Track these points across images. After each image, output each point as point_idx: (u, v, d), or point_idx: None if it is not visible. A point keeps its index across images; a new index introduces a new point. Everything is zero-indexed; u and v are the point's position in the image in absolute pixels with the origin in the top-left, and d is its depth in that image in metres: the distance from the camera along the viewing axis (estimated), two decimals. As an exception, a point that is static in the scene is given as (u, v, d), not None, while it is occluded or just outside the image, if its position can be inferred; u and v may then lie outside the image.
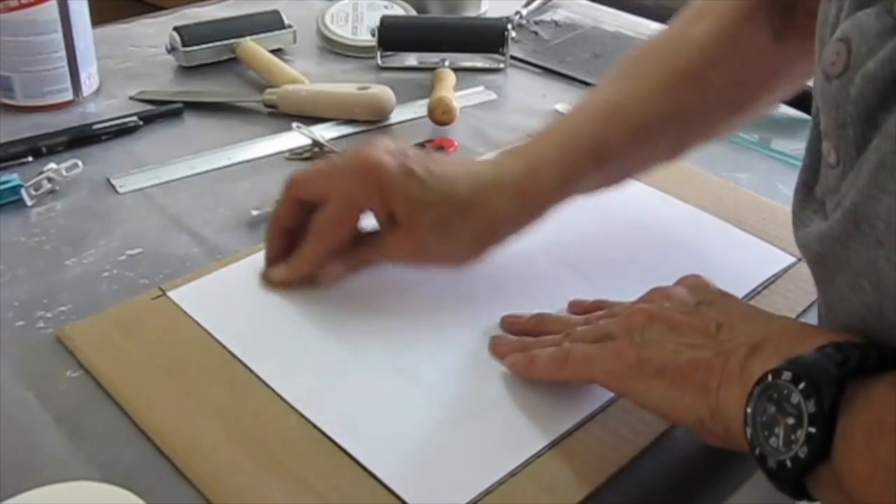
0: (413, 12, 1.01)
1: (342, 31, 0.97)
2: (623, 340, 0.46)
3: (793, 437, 0.37)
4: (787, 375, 0.38)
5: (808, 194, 0.45)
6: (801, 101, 0.85)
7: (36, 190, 0.66)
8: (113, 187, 0.69)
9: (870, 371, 0.37)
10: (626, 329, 0.47)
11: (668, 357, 0.44)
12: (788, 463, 0.37)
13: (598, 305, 0.54)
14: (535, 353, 0.50)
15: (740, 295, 0.58)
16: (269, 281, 0.57)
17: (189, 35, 0.89)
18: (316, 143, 0.75)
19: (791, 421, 0.37)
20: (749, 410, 0.39)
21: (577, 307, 0.56)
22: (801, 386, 0.37)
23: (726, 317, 0.45)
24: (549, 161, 0.55)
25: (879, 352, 0.38)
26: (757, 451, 0.39)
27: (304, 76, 0.85)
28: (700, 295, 0.48)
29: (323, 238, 0.56)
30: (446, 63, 0.91)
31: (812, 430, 0.36)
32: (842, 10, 0.40)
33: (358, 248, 0.57)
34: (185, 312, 0.54)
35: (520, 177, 0.55)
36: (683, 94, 0.57)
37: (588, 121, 0.57)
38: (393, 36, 0.93)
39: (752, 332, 0.43)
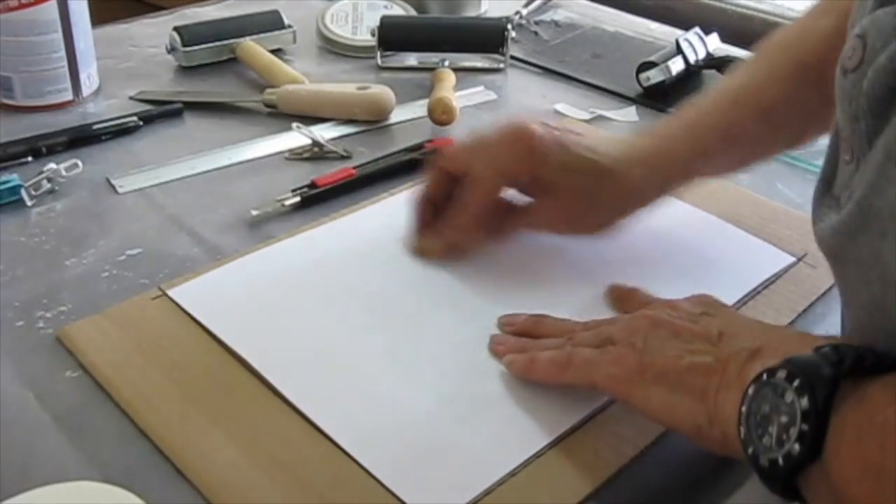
0: (413, 12, 1.01)
1: (342, 31, 0.97)
2: (625, 346, 0.46)
3: (785, 435, 0.37)
4: (782, 373, 0.38)
5: (826, 191, 0.46)
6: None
7: (36, 190, 0.66)
8: (113, 187, 0.69)
9: (866, 373, 0.37)
10: (629, 334, 0.47)
11: (669, 362, 0.44)
12: (780, 460, 0.37)
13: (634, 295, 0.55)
14: (536, 354, 0.50)
15: (741, 295, 0.58)
16: (421, 251, 0.60)
17: (189, 35, 0.89)
18: (316, 143, 0.75)
19: (784, 419, 0.37)
20: (744, 409, 0.39)
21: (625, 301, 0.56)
22: (796, 383, 0.37)
23: (727, 325, 0.45)
24: (678, 140, 0.59)
25: (877, 354, 0.38)
26: (750, 450, 0.39)
27: (304, 76, 0.85)
28: (703, 307, 0.48)
29: (473, 205, 0.58)
30: (446, 63, 0.91)
31: (805, 426, 0.36)
32: (866, 9, 0.41)
33: (501, 217, 0.60)
34: (185, 312, 0.54)
35: (651, 153, 0.59)
36: (806, 85, 0.58)
37: (717, 104, 0.60)
38: (393, 36, 0.93)
39: (751, 339, 0.43)
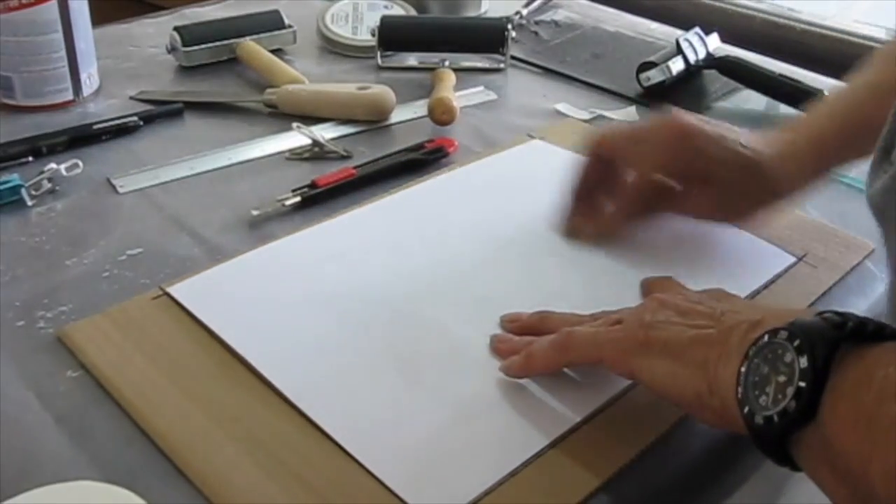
0: (413, 12, 1.01)
1: (342, 31, 0.97)
2: (632, 322, 0.47)
3: (782, 394, 0.38)
4: (783, 334, 0.39)
5: (884, 157, 0.48)
6: (806, 101, 0.86)
7: (36, 190, 0.67)
8: (113, 187, 0.69)
9: (867, 339, 0.38)
10: (637, 313, 0.47)
11: (673, 335, 0.44)
12: (775, 417, 0.38)
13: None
14: (531, 347, 0.50)
15: (742, 294, 0.58)
16: (574, 234, 0.63)
17: (189, 35, 0.89)
18: (316, 143, 0.75)
19: (782, 378, 0.38)
20: (742, 370, 0.40)
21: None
22: (796, 343, 0.38)
23: (733, 306, 0.46)
24: (823, 131, 0.62)
25: (879, 323, 0.38)
26: (746, 409, 0.39)
27: (304, 76, 0.85)
28: (712, 295, 0.48)
29: (632, 195, 0.62)
30: (446, 63, 0.91)
31: (802, 384, 0.37)
32: None
33: (653, 204, 0.62)
34: (185, 312, 0.54)
35: (799, 153, 0.61)
36: None
37: (853, 96, 0.63)
38: (393, 36, 0.93)
39: (755, 313, 0.43)
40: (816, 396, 0.37)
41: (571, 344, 0.48)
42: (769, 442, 0.39)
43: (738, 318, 0.43)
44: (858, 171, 0.75)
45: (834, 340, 0.37)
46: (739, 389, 0.40)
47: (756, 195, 0.61)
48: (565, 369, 0.51)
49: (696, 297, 0.47)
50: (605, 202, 0.64)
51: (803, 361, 0.37)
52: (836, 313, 0.39)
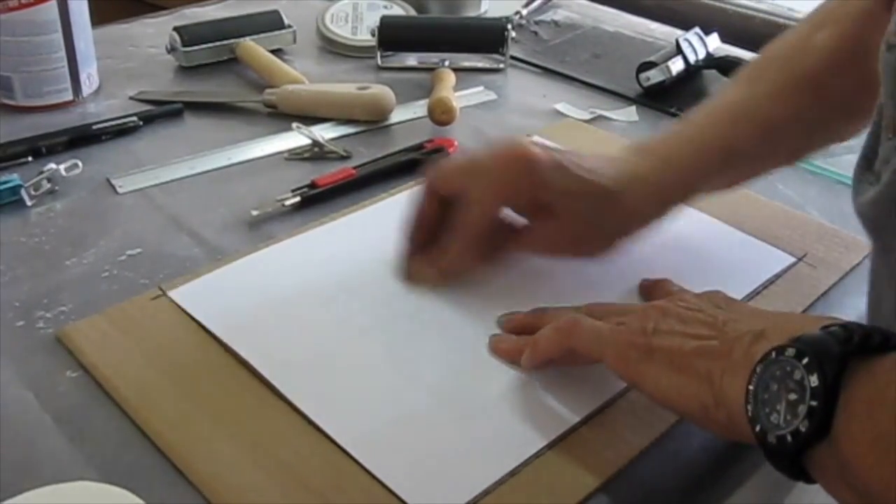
0: (413, 12, 1.01)
1: (342, 31, 0.97)
2: (635, 329, 0.46)
3: (794, 412, 0.37)
4: (790, 351, 0.38)
5: (866, 168, 0.47)
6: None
7: (36, 190, 0.66)
8: (113, 187, 0.69)
9: (873, 351, 0.37)
10: (640, 320, 0.47)
11: (676, 345, 0.44)
12: (789, 437, 0.37)
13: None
14: (536, 334, 0.50)
15: (741, 295, 0.58)
16: (413, 277, 0.58)
17: (189, 35, 0.89)
18: (316, 143, 0.75)
19: (793, 396, 0.37)
20: (751, 388, 0.40)
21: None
22: (805, 361, 0.37)
23: (734, 314, 0.45)
24: (679, 159, 0.58)
25: (884, 333, 0.38)
26: (757, 427, 0.39)
27: (304, 76, 0.85)
28: (711, 300, 0.48)
29: (469, 231, 0.56)
30: (446, 63, 0.91)
31: (814, 403, 0.37)
32: None
33: (497, 240, 0.58)
34: (184, 312, 0.54)
35: (650, 173, 0.57)
36: (806, 99, 0.58)
37: (715, 122, 0.60)
38: (393, 36, 0.93)
39: (757, 323, 0.43)
40: (829, 415, 0.36)
41: (575, 331, 0.48)
42: (783, 460, 0.38)
43: (740, 327, 0.43)
44: (858, 171, 0.76)
45: (842, 356, 0.37)
46: (749, 407, 0.40)
47: (610, 225, 0.57)
48: (565, 369, 0.51)
49: (696, 304, 0.47)
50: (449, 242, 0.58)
51: (814, 380, 0.37)
52: (841, 325, 0.39)
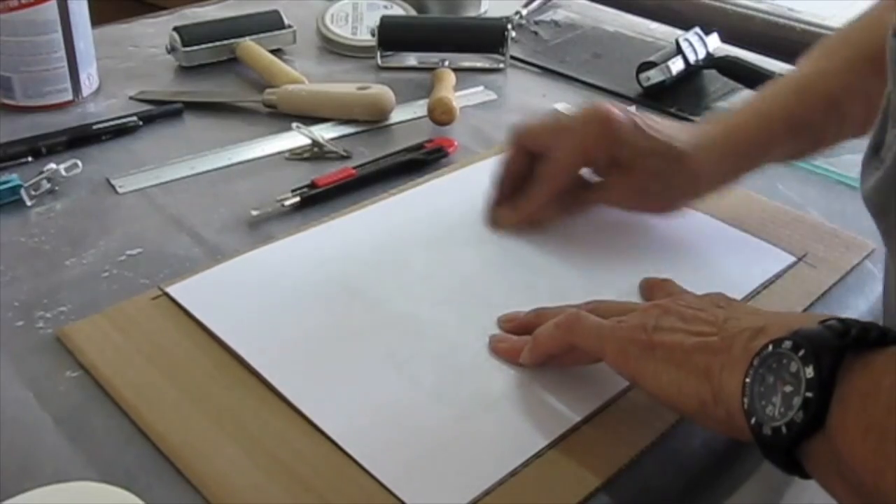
0: (413, 12, 1.01)
1: (342, 31, 0.97)
2: (636, 325, 0.46)
3: (789, 404, 0.38)
4: (787, 344, 0.39)
5: (873, 155, 0.48)
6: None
7: (36, 190, 0.66)
8: (113, 187, 0.69)
9: (870, 345, 0.37)
10: (640, 317, 0.47)
11: (677, 341, 0.44)
12: (783, 429, 0.38)
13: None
14: (537, 331, 0.50)
15: (741, 295, 0.58)
16: (497, 222, 0.64)
17: (189, 35, 0.89)
18: (316, 143, 0.75)
19: (788, 389, 0.38)
20: (748, 381, 0.40)
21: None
22: (801, 353, 0.38)
23: (735, 312, 0.46)
24: (746, 128, 0.62)
25: (881, 329, 0.38)
26: (753, 420, 0.39)
27: (304, 76, 0.85)
28: (712, 300, 0.48)
29: (553, 182, 0.62)
30: (446, 63, 0.91)
31: (809, 395, 0.37)
32: None
33: (576, 194, 0.64)
34: (185, 312, 0.54)
35: (721, 141, 0.62)
36: (871, 75, 0.59)
37: (783, 94, 0.63)
38: (393, 36, 0.93)
39: (757, 320, 0.43)
40: (824, 406, 0.37)
41: (576, 327, 0.48)
42: (778, 452, 0.38)
43: (741, 325, 0.43)
44: (859, 171, 0.75)
45: (839, 349, 0.37)
46: (745, 400, 0.40)
47: (680, 186, 0.62)
48: (564, 369, 0.51)
49: (697, 304, 0.47)
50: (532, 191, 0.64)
51: (809, 371, 0.37)
52: (839, 320, 0.39)
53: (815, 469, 0.38)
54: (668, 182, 0.61)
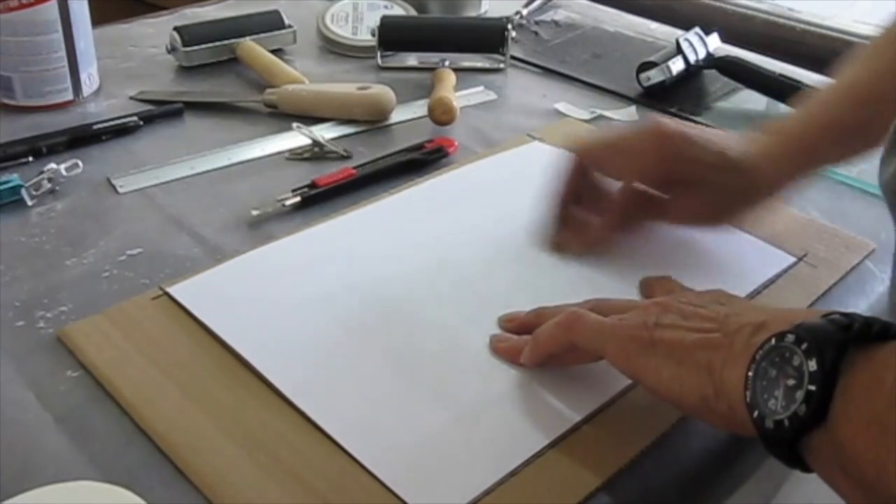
0: (413, 12, 1.01)
1: (342, 31, 0.97)
2: (636, 322, 0.46)
3: (792, 397, 0.38)
4: (790, 338, 0.39)
5: (894, 144, 0.48)
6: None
7: (36, 190, 0.67)
8: (113, 187, 0.69)
9: (873, 339, 0.38)
10: (641, 314, 0.47)
11: (678, 337, 0.44)
12: (786, 422, 0.38)
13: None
14: (537, 330, 0.50)
15: (741, 294, 0.58)
16: (561, 248, 0.62)
17: (189, 35, 0.89)
18: (316, 143, 0.75)
19: (791, 382, 0.38)
20: (750, 374, 0.40)
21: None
22: (804, 347, 0.38)
23: (736, 308, 0.46)
24: (797, 135, 0.62)
25: (884, 323, 0.38)
26: (755, 413, 0.39)
27: (304, 76, 0.85)
28: (713, 297, 0.48)
29: (621, 209, 0.62)
30: (446, 63, 0.91)
31: (812, 388, 0.37)
32: None
33: (637, 213, 0.63)
34: (185, 312, 0.54)
35: (774, 148, 0.61)
36: None
37: (835, 99, 0.63)
38: (393, 36, 0.93)
39: (759, 316, 0.43)
40: (827, 400, 0.37)
41: (577, 325, 0.48)
42: (780, 446, 0.38)
43: (742, 320, 0.43)
44: (859, 171, 0.76)
45: (842, 342, 0.37)
46: (748, 393, 0.40)
47: (742, 196, 0.61)
48: (565, 369, 0.51)
49: (698, 300, 0.47)
50: (588, 213, 0.63)
51: (812, 364, 0.37)
52: (842, 314, 0.39)
53: (817, 462, 0.38)
54: (728, 195, 0.61)
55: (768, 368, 0.39)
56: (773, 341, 0.40)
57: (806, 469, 0.39)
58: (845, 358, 0.37)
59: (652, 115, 0.62)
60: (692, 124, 0.62)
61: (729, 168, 0.60)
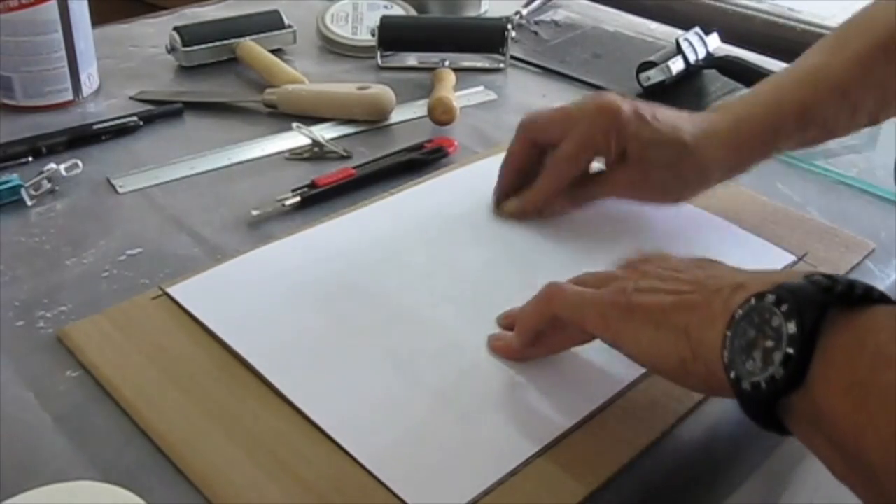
0: (413, 12, 1.01)
1: (342, 31, 0.97)
2: (615, 288, 0.47)
3: (770, 359, 0.37)
4: (770, 298, 0.38)
5: None
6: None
7: (36, 190, 0.67)
8: (113, 187, 0.69)
9: (856, 302, 0.37)
10: (620, 283, 0.47)
11: (656, 301, 0.44)
12: (763, 384, 0.37)
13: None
14: (519, 311, 0.51)
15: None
16: (503, 212, 0.65)
17: (189, 35, 0.89)
18: (316, 143, 0.75)
19: (770, 343, 0.37)
20: (729, 334, 0.39)
21: None
22: (784, 308, 0.37)
23: (716, 271, 0.45)
24: (754, 117, 0.62)
25: (867, 286, 0.38)
26: (732, 374, 0.39)
27: (304, 76, 0.85)
28: (694, 261, 0.48)
29: (560, 173, 0.63)
30: (446, 63, 0.91)
31: (790, 350, 0.36)
32: None
33: (584, 185, 0.64)
34: (185, 312, 0.54)
35: (727, 130, 0.61)
36: (884, 65, 0.60)
37: (793, 84, 0.63)
38: (393, 36, 0.93)
39: (738, 277, 0.43)
40: (805, 363, 0.36)
41: (557, 297, 0.49)
42: (757, 408, 0.38)
43: (721, 282, 0.43)
44: (859, 170, 0.76)
45: (822, 304, 0.37)
46: (725, 353, 0.39)
47: (687, 176, 0.62)
48: (565, 368, 0.51)
49: (678, 265, 0.47)
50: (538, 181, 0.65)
51: (791, 326, 0.36)
52: (824, 275, 0.38)
53: (795, 426, 0.38)
54: (676, 172, 0.61)
55: (747, 329, 0.39)
56: (753, 301, 0.39)
57: (784, 432, 0.38)
58: (826, 320, 0.36)
59: (603, 92, 0.63)
60: (646, 102, 0.62)
61: (677, 147, 0.60)
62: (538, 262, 0.61)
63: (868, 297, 0.37)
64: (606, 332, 0.46)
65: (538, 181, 0.64)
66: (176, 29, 0.90)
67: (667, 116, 0.62)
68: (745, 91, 0.66)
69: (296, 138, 0.76)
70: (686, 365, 0.42)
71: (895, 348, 0.35)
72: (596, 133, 0.61)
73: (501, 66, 0.94)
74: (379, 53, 0.93)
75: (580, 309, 0.47)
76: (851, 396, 0.35)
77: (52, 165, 0.67)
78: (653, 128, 0.60)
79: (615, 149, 0.61)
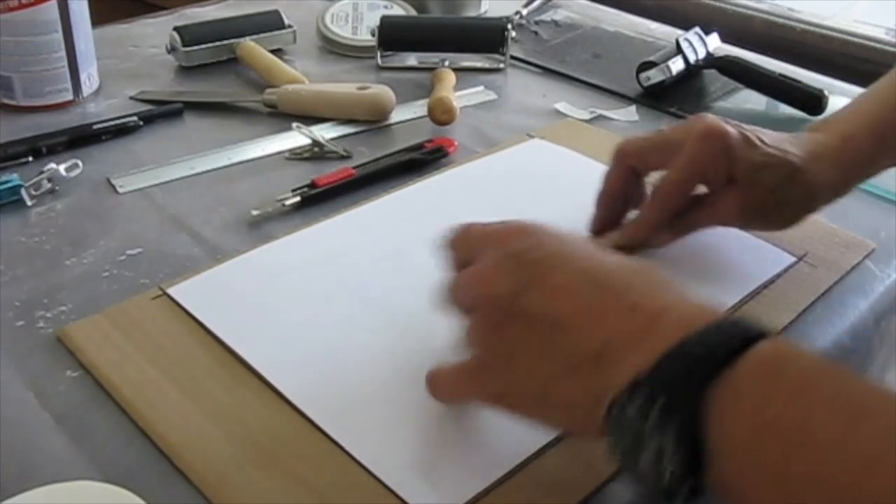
0: (413, 12, 1.01)
1: (342, 31, 0.97)
2: (485, 365, 0.44)
3: (659, 460, 0.35)
4: (639, 396, 0.36)
5: None
6: (806, 101, 0.86)
7: (36, 190, 0.67)
8: (113, 187, 0.69)
9: (738, 352, 0.36)
10: (481, 344, 0.45)
11: (535, 388, 0.42)
12: (666, 477, 0.35)
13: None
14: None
15: (742, 295, 0.58)
16: (602, 245, 0.57)
17: (189, 35, 0.89)
18: (316, 143, 0.75)
19: (654, 444, 0.36)
20: (610, 440, 0.38)
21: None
22: (657, 409, 0.35)
23: (601, 303, 0.41)
24: (859, 136, 0.60)
25: (743, 330, 0.37)
26: (632, 476, 0.38)
27: (304, 76, 0.85)
28: (516, 275, 0.43)
29: (667, 202, 0.58)
30: (446, 63, 0.91)
31: (676, 455, 0.35)
32: None
33: (685, 214, 0.59)
34: (185, 312, 0.54)
35: (836, 150, 0.59)
36: None
37: (886, 97, 0.61)
38: (393, 36, 0.93)
39: (593, 338, 0.40)
40: (698, 451, 0.35)
41: (434, 390, 0.47)
42: (673, 499, 0.36)
43: (577, 347, 0.40)
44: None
45: (698, 390, 0.35)
46: (615, 458, 0.38)
47: (797, 199, 0.59)
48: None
49: (503, 299, 0.43)
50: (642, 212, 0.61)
51: (671, 430, 0.35)
52: (699, 335, 0.37)
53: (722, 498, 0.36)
54: (784, 197, 0.58)
55: (624, 435, 0.37)
56: (623, 404, 0.37)
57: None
58: (707, 398, 0.35)
59: (704, 115, 0.58)
60: (741, 124, 0.59)
61: (785, 171, 0.57)
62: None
63: (748, 339, 0.36)
64: (495, 406, 0.44)
65: (642, 212, 0.60)
66: (176, 29, 0.90)
67: (773, 138, 0.58)
68: (842, 107, 0.64)
69: (296, 138, 0.76)
70: (585, 434, 0.41)
71: (781, 406, 0.34)
72: (704, 158, 0.57)
73: (501, 66, 0.94)
74: (379, 53, 0.93)
75: (461, 396, 0.46)
76: (769, 487, 0.34)
77: (52, 165, 0.67)
78: (762, 150, 0.57)
79: (723, 174, 0.57)
